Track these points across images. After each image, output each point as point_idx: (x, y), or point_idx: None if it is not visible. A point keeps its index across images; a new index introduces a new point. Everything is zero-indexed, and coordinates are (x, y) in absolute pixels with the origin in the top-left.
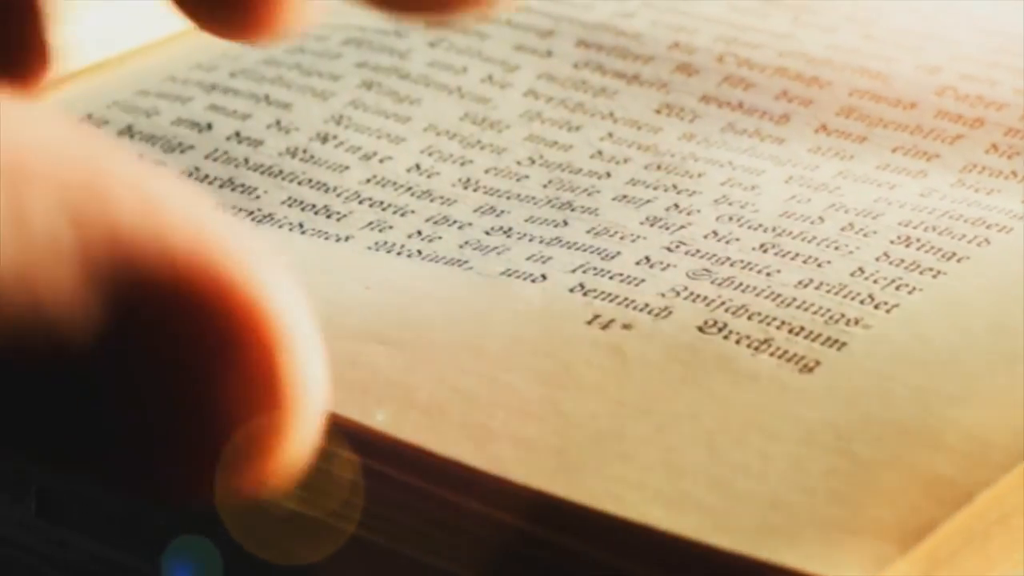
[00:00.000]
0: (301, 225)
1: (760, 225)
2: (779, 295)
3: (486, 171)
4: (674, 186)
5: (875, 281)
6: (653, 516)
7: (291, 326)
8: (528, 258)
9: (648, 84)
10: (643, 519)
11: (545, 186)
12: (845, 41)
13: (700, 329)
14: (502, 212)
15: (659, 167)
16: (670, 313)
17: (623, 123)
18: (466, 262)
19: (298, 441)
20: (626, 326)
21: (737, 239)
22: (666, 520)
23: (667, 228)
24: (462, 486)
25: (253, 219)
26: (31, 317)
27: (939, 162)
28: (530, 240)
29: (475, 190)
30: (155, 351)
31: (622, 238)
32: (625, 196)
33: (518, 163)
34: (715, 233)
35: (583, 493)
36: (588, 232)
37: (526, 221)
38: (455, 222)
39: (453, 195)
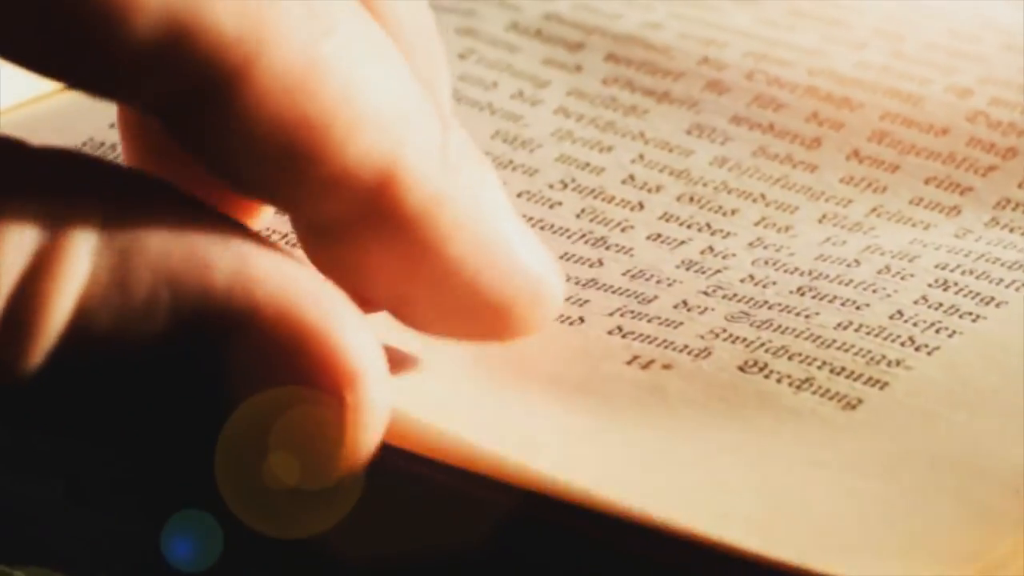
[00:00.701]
0: None
1: (796, 269)
2: (819, 336)
3: (518, 195)
4: (708, 225)
5: (915, 324)
6: (701, 528)
7: (360, 366)
8: (565, 300)
9: (678, 102)
10: (691, 530)
11: (578, 216)
12: (875, 58)
13: (741, 369)
14: None
15: (692, 199)
16: (710, 354)
17: (654, 144)
18: None
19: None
20: (666, 366)
21: (774, 283)
22: (715, 532)
23: (703, 272)
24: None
25: (286, 242)
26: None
27: (972, 196)
28: (566, 280)
29: None
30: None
31: (658, 282)
32: (659, 235)
33: (550, 186)
34: (751, 277)
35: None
36: (624, 275)
37: (561, 258)
38: None
39: None
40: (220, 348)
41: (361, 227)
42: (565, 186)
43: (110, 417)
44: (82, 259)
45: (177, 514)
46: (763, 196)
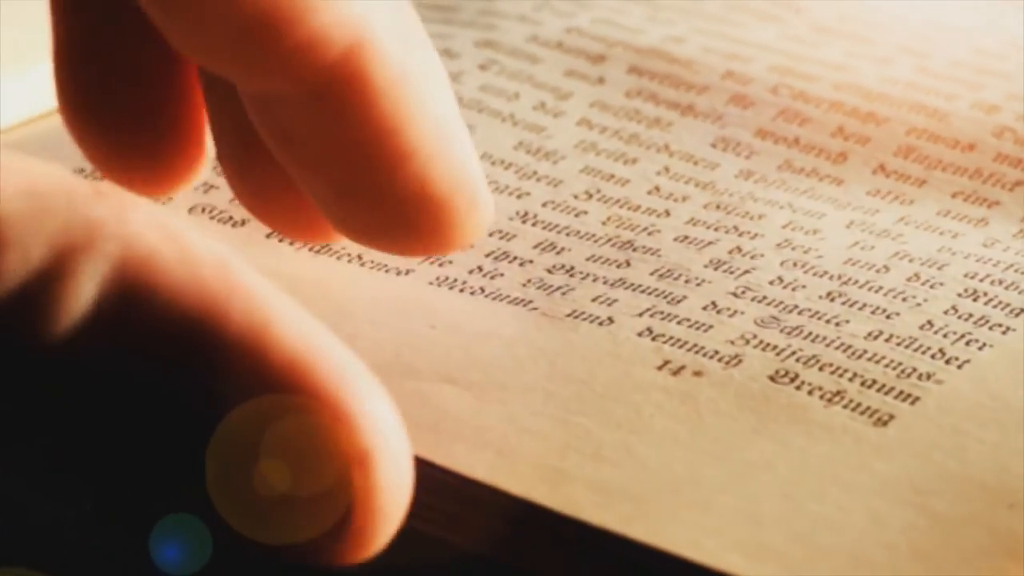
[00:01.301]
0: (360, 257)
1: (825, 272)
2: (850, 346)
3: (543, 204)
4: (735, 227)
5: (945, 335)
6: (733, 564)
7: (378, 436)
8: (594, 300)
9: (703, 116)
10: (723, 567)
11: (604, 223)
12: (900, 74)
13: (771, 379)
14: (563, 249)
15: (718, 207)
16: (740, 361)
17: (679, 157)
18: (530, 302)
19: (378, 535)
20: (697, 373)
21: (803, 286)
22: (746, 569)
23: (731, 272)
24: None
25: (312, 250)
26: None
27: (1000, 209)
28: (594, 280)
29: (534, 224)
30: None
31: (687, 281)
32: (687, 237)
33: (575, 197)
34: (780, 279)
35: (661, 539)
36: (652, 274)
37: (588, 260)
38: (516, 258)
39: (512, 229)
40: (228, 398)
41: (325, 100)
42: (590, 196)
43: (101, 423)
44: (86, 287)
45: (166, 518)
46: (790, 205)
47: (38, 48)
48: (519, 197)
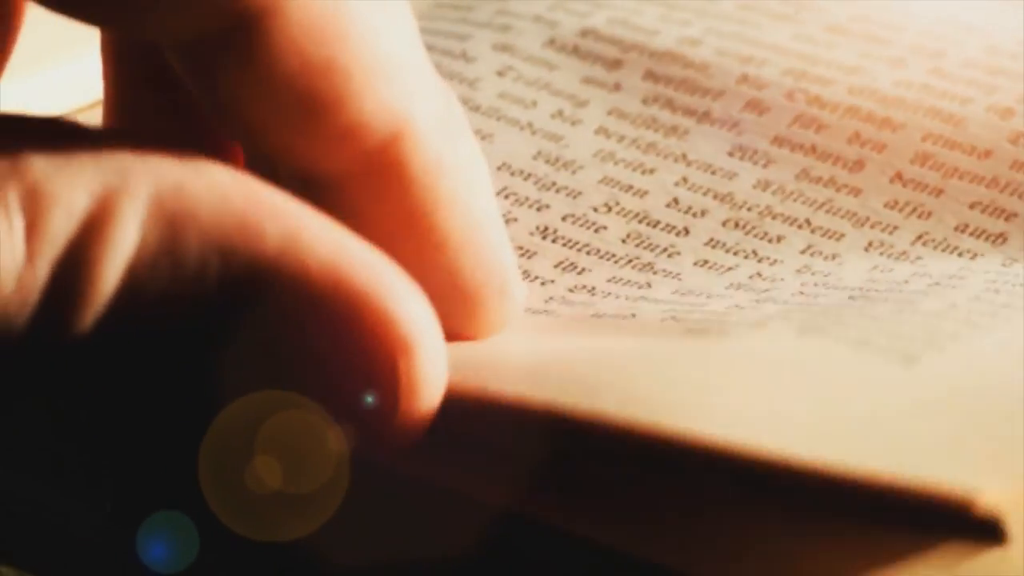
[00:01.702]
0: None
1: (845, 289)
2: (875, 318)
3: (563, 218)
4: (754, 252)
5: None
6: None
7: (417, 329)
8: (615, 312)
9: (719, 123)
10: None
11: (624, 241)
12: (914, 76)
13: (799, 332)
14: (583, 270)
15: (737, 225)
16: (766, 326)
17: (697, 166)
18: (552, 312)
19: (412, 427)
20: (722, 334)
21: (824, 298)
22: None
23: (752, 291)
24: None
25: None
26: (174, 327)
27: (1018, 222)
28: (616, 299)
29: (554, 241)
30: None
31: (708, 297)
32: (706, 261)
33: (594, 209)
34: (802, 294)
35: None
36: (673, 293)
37: (608, 281)
38: (536, 277)
39: (532, 246)
40: (272, 315)
41: (360, 185)
42: (609, 209)
43: (155, 385)
44: (130, 227)
45: (153, 515)
46: (808, 222)
47: (37, 52)
48: (539, 210)
